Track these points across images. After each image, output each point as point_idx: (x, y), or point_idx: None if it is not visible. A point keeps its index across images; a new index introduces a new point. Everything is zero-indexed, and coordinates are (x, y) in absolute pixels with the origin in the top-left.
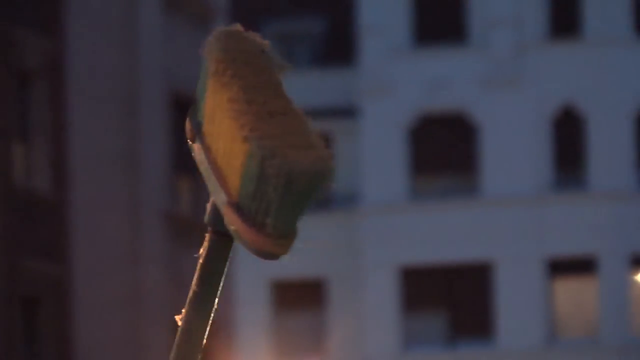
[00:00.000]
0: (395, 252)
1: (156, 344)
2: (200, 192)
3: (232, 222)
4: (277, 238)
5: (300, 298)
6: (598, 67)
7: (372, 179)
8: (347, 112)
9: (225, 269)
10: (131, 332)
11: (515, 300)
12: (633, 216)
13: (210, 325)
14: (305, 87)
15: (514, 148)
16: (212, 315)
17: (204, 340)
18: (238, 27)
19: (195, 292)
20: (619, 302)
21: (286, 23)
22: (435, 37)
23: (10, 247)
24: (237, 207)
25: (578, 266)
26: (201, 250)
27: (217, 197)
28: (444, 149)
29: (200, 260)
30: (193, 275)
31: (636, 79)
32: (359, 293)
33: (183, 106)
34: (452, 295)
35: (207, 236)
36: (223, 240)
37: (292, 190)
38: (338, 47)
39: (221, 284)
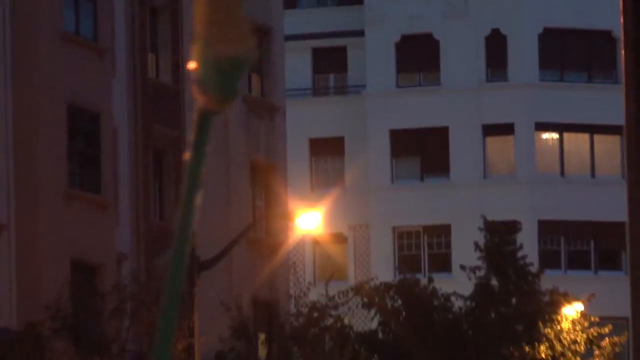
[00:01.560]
0: (387, 121)
1: (239, 186)
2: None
3: (194, 91)
4: (216, 101)
5: (328, 149)
6: (515, 5)
7: (373, 75)
8: (357, 33)
9: (208, 135)
10: (222, 176)
11: (462, 149)
12: (538, 96)
13: (269, 168)
14: (331, 18)
15: (461, 55)
16: (202, 169)
17: (200, 189)
18: None
19: (190, 154)
20: (526, 151)
21: None
22: None
23: (144, 117)
24: (196, 82)
25: (502, 129)
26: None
27: None
28: (417, 57)
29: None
30: (264, 135)
31: (529, 9)
32: (364, 147)
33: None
34: (423, 148)
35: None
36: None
37: (220, 69)
38: None
39: (206, 145)
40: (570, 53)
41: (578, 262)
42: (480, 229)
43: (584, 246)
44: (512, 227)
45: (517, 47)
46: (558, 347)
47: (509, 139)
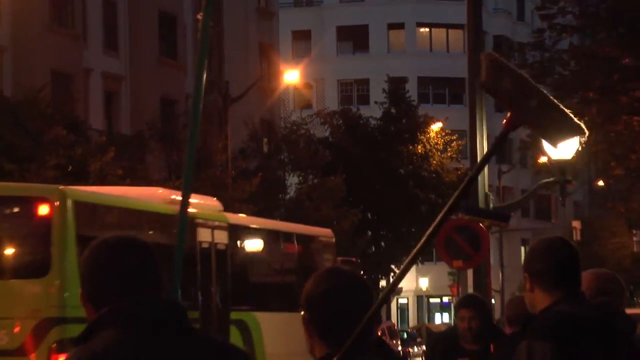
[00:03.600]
0: (334, 21)
1: (253, 56)
2: None
3: None
4: None
5: (302, 37)
6: None
7: None
8: None
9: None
10: (243, 52)
11: (376, 36)
12: (416, 8)
13: (269, 47)
14: None
15: None
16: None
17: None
18: None
19: None
20: (411, 38)
21: None
22: None
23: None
24: None
25: (398, 26)
26: None
27: None
28: None
29: None
30: (266, 29)
31: None
32: (322, 36)
33: None
34: (355, 36)
35: None
36: None
37: None
38: None
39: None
40: None
41: (439, 99)
42: (385, 81)
43: (442, 90)
44: (403, 79)
45: None
46: (428, 146)
47: (402, 31)
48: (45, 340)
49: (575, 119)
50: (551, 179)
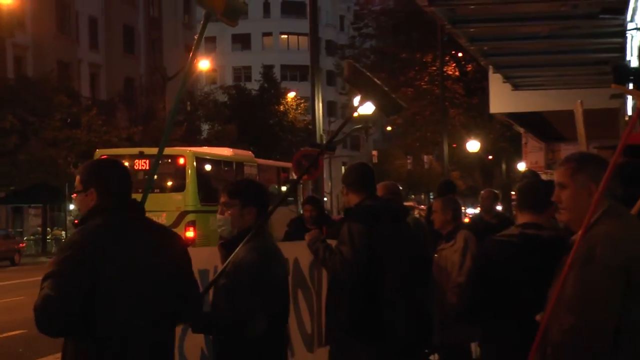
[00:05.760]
0: (231, 31)
1: (181, 54)
2: None
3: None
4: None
5: (211, 41)
6: None
7: None
8: None
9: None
10: (176, 51)
11: (257, 45)
12: (285, 21)
13: (190, 46)
14: None
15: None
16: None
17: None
18: None
19: None
20: (278, 40)
21: None
22: None
23: (151, 27)
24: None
25: (271, 33)
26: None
27: None
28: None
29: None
30: (189, 38)
31: None
32: (223, 40)
33: None
34: (243, 41)
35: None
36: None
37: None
38: None
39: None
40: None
41: (293, 78)
42: (261, 68)
43: (295, 72)
44: (271, 67)
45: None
46: (286, 107)
47: (271, 37)
48: (183, 221)
49: (398, 100)
50: (360, 125)
